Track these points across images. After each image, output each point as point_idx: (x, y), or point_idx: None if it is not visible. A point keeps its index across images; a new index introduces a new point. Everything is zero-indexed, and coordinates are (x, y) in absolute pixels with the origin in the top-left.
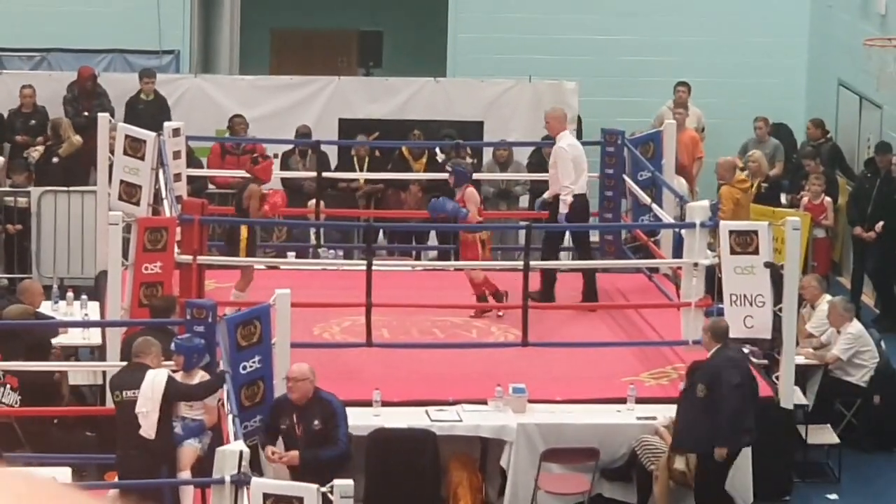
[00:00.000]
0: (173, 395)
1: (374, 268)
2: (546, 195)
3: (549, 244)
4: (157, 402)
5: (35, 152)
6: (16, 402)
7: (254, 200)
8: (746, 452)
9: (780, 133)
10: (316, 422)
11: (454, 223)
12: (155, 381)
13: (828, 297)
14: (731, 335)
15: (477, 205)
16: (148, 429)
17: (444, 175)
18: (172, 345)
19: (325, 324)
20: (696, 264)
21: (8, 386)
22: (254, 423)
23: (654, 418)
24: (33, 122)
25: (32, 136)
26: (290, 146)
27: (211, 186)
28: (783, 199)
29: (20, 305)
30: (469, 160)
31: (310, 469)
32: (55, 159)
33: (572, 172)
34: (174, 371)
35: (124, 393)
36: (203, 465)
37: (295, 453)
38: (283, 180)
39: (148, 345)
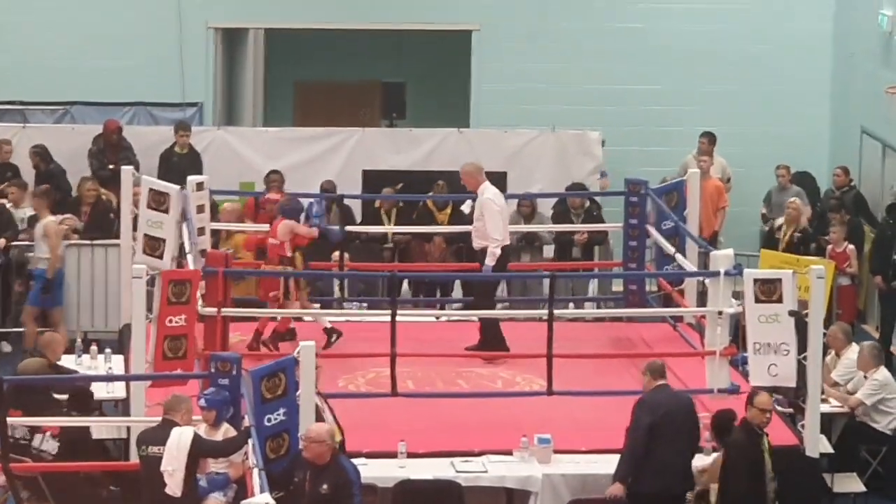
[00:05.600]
0: (200, 452)
1: (398, 319)
2: (475, 245)
3: (484, 293)
4: (183, 461)
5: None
6: (54, 450)
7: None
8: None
9: (803, 181)
10: (325, 486)
11: None
12: (181, 439)
13: (855, 346)
14: (755, 383)
15: (285, 238)
16: (174, 487)
17: (470, 227)
18: (202, 400)
19: (350, 375)
20: (720, 313)
21: (48, 433)
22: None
23: None
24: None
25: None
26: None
27: None
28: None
29: (36, 359)
30: None
31: None
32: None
33: (500, 225)
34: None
35: (149, 448)
36: None
37: None
38: None
39: (178, 402)
